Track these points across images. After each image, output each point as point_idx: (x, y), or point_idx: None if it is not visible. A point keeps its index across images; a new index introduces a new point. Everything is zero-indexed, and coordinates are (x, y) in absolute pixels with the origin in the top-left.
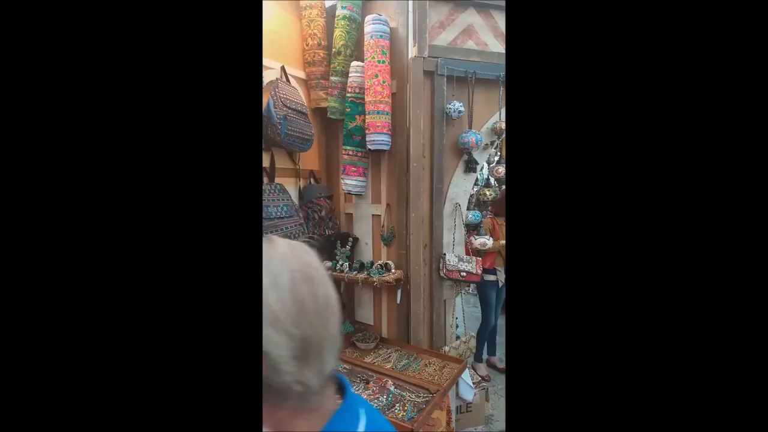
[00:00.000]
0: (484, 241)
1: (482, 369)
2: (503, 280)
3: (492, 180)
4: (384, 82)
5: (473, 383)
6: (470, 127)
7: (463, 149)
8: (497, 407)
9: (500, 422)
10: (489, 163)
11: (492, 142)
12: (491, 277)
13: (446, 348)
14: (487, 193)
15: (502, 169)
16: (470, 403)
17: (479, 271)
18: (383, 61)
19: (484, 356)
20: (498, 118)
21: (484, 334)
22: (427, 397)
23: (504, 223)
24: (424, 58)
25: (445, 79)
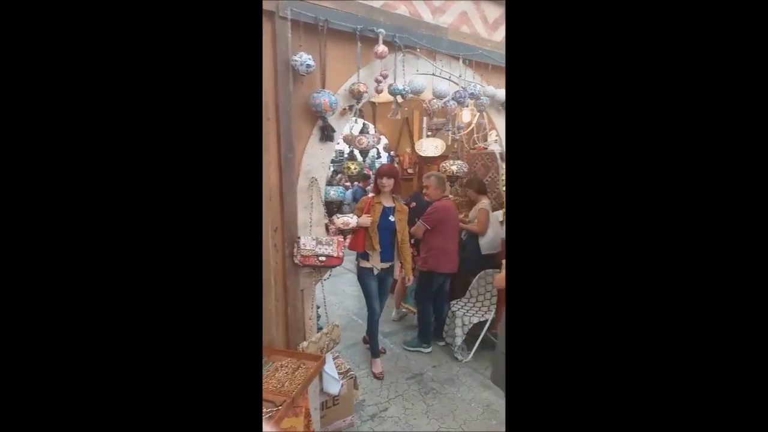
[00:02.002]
0: (347, 220)
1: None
2: (379, 267)
3: (356, 152)
4: None
5: (339, 373)
6: (323, 87)
7: (316, 113)
8: (368, 391)
9: (372, 406)
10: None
11: (350, 107)
12: (365, 263)
13: (304, 344)
14: (352, 167)
15: (365, 140)
16: (337, 396)
17: (341, 254)
18: None
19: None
20: (356, 78)
21: (369, 323)
22: (271, 411)
23: (400, 205)
24: None
25: (289, 23)
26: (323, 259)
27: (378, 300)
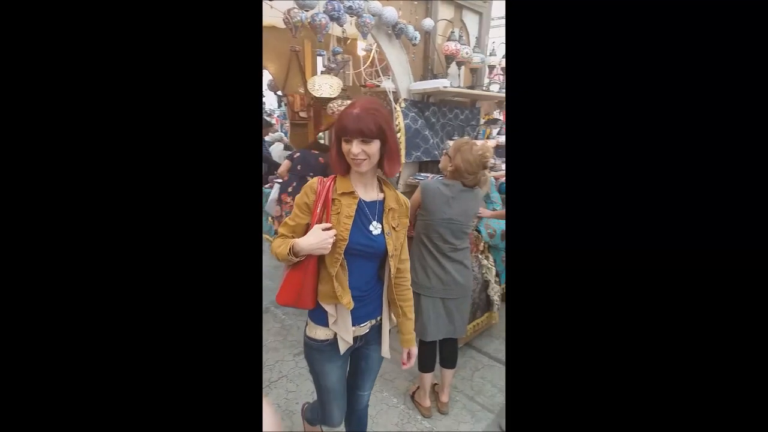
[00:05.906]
0: None
1: None
2: (349, 338)
3: None
4: None
5: None
6: None
7: None
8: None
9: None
10: None
11: None
12: (317, 332)
13: None
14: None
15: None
16: None
17: None
18: None
19: None
20: None
21: None
22: None
23: (396, 195)
24: None
25: None
26: None
27: (341, 399)
